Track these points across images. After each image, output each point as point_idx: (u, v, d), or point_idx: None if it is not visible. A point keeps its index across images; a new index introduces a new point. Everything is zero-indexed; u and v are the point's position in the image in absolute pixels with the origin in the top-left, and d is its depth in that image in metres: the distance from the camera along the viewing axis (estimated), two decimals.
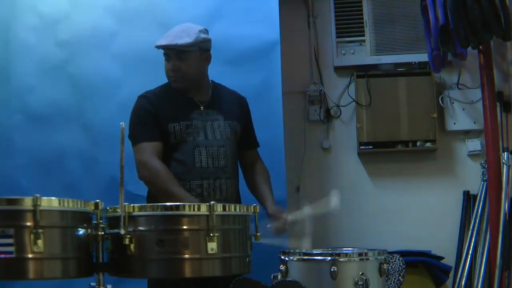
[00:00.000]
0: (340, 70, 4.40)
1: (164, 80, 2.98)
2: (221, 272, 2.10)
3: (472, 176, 4.23)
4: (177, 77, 2.91)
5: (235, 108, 3.05)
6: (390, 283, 2.46)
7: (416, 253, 4.03)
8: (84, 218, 2.01)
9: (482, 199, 4.04)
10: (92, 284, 2.01)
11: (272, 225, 2.80)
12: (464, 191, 4.22)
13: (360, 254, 2.34)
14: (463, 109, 4.26)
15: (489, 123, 3.74)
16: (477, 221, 4.01)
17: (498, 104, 3.98)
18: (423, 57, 4.06)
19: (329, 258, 2.25)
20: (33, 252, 1.83)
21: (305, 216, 2.79)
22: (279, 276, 2.36)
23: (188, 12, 3.63)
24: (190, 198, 2.71)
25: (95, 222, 2.04)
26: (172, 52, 2.88)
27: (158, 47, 2.90)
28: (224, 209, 2.10)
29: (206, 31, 2.97)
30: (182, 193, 2.71)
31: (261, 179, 3.03)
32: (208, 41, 2.96)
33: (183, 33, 2.88)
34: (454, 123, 4.27)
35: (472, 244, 3.98)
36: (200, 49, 2.91)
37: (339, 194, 2.73)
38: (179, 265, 2.05)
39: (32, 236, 1.83)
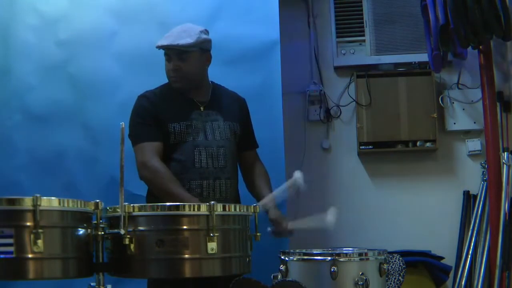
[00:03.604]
0: (340, 70, 4.40)
1: (164, 80, 2.99)
2: (221, 272, 2.10)
3: (472, 176, 4.23)
4: (178, 77, 2.92)
5: (235, 109, 3.05)
6: (390, 283, 2.46)
7: (416, 253, 4.03)
8: (84, 218, 2.01)
9: (482, 199, 4.04)
10: (92, 284, 2.02)
11: (273, 229, 2.80)
12: (464, 191, 4.22)
13: (360, 254, 2.34)
14: (463, 109, 4.26)
15: (489, 123, 3.74)
16: (477, 221, 4.01)
17: (498, 104, 3.97)
18: (423, 57, 4.06)
19: (329, 258, 2.25)
20: (33, 252, 1.83)
21: (304, 226, 2.81)
22: (279, 276, 2.36)
23: (188, 12, 3.63)
24: (191, 198, 2.71)
25: (95, 222, 2.04)
26: (173, 52, 2.88)
27: (159, 47, 2.91)
28: (224, 209, 2.10)
29: (206, 31, 2.97)
30: (183, 193, 2.71)
31: (261, 181, 3.03)
32: (208, 42, 2.96)
33: (184, 34, 2.88)
34: (454, 123, 4.27)
35: (472, 244, 3.98)
36: (201, 50, 2.91)
37: (336, 212, 2.72)
38: (179, 265, 2.05)
39: (32, 236, 1.83)
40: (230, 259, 2.11)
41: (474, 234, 3.99)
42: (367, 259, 2.32)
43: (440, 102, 4.26)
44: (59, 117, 3.64)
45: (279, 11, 3.65)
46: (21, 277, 1.86)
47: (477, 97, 4.11)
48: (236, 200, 2.98)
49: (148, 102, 2.91)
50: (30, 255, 1.83)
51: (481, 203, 4.03)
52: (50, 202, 1.89)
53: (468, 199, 4.20)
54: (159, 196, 2.77)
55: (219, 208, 2.07)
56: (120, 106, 3.34)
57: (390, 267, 2.45)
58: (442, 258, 4.06)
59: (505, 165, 3.91)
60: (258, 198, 2.98)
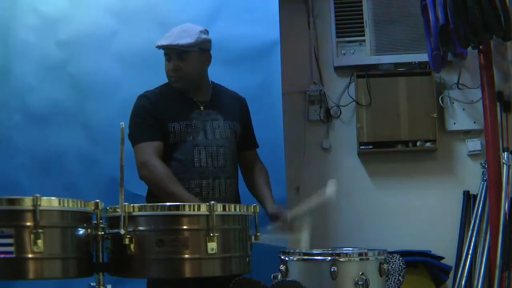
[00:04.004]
0: (340, 70, 4.40)
1: (164, 80, 2.99)
2: (221, 272, 2.10)
3: (472, 176, 4.23)
4: (178, 77, 2.92)
5: (235, 108, 3.05)
6: (390, 283, 2.46)
7: (416, 253, 4.03)
8: (84, 218, 2.01)
9: (482, 199, 4.04)
10: (92, 284, 2.01)
11: (273, 226, 2.80)
12: (464, 191, 4.22)
13: (360, 254, 2.33)
14: (463, 109, 4.26)
15: (489, 123, 3.74)
16: (477, 221, 4.01)
17: (498, 104, 3.98)
18: (423, 57, 4.06)
19: (329, 258, 2.25)
20: (33, 252, 1.83)
21: (304, 211, 2.80)
22: (279, 276, 2.36)
23: (188, 12, 3.63)
24: (192, 198, 2.71)
25: (95, 222, 2.04)
26: (173, 52, 2.88)
27: (159, 47, 2.91)
28: (224, 209, 2.10)
29: (206, 31, 2.98)
30: (183, 192, 2.71)
31: (261, 180, 3.03)
32: (208, 42, 2.96)
33: (184, 34, 2.88)
34: (454, 123, 4.27)
35: (472, 244, 3.99)
36: (201, 50, 2.91)
37: (336, 184, 2.73)
38: (179, 265, 2.05)
39: (32, 236, 1.83)
40: (230, 259, 2.11)
41: (474, 234, 3.99)
42: (367, 259, 2.31)
43: (440, 102, 4.26)
44: (59, 117, 3.65)
45: (279, 11, 3.65)
46: (21, 277, 1.86)
47: (477, 97, 4.11)
48: (236, 199, 2.98)
49: (148, 102, 2.91)
50: (30, 255, 1.83)
51: (481, 203, 4.03)
52: (50, 202, 1.89)
53: (468, 199, 4.20)
54: (159, 196, 2.77)
55: (219, 208, 2.07)
56: (120, 106, 3.34)
57: (390, 267, 2.45)
58: (442, 258, 4.06)
59: (505, 165, 3.91)
60: (258, 197, 2.98)
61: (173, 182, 2.75)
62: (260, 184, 3.01)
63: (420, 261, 3.98)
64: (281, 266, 2.36)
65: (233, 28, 3.62)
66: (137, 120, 2.89)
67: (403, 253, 3.67)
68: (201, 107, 2.95)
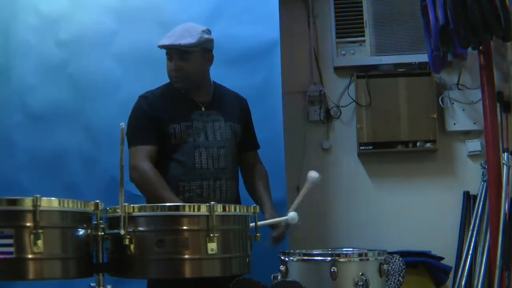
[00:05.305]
0: (340, 70, 4.40)
1: (165, 80, 2.98)
2: (221, 272, 2.09)
3: (472, 177, 4.23)
4: (179, 77, 2.91)
5: (236, 109, 3.05)
6: (390, 284, 2.46)
7: (416, 253, 4.03)
8: (84, 218, 2.01)
9: (482, 199, 4.04)
10: (92, 284, 2.01)
11: (270, 234, 2.81)
12: (464, 192, 4.22)
13: (360, 255, 2.34)
14: (463, 110, 4.26)
15: (489, 123, 3.74)
16: (477, 221, 4.01)
17: (498, 104, 3.98)
18: (423, 57, 4.06)
19: (329, 258, 2.25)
20: (33, 253, 1.82)
21: (300, 201, 2.90)
22: (279, 276, 2.36)
23: (188, 12, 3.63)
24: (178, 202, 2.69)
25: (95, 222, 2.04)
26: (175, 52, 2.88)
27: (161, 46, 2.90)
28: (224, 209, 2.10)
29: (209, 31, 2.97)
30: (171, 197, 2.70)
31: (260, 183, 3.03)
32: (210, 42, 2.96)
33: (186, 33, 2.87)
34: (454, 124, 4.27)
35: (472, 244, 3.99)
36: (203, 50, 2.91)
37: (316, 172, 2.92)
38: (179, 265, 2.04)
39: (32, 236, 1.82)
40: (230, 259, 2.11)
41: (474, 234, 3.99)
42: (367, 259, 2.32)
43: (440, 102, 4.26)
44: (59, 117, 3.65)
45: (279, 11, 3.66)
46: (21, 278, 1.86)
47: (477, 97, 4.11)
48: (237, 201, 2.98)
49: (147, 104, 2.90)
50: (30, 256, 1.83)
51: (481, 203, 4.03)
52: (50, 203, 1.88)
53: (468, 199, 4.20)
54: (148, 199, 2.78)
55: (219, 208, 2.07)
56: (120, 106, 3.34)
57: (390, 268, 2.45)
58: (442, 258, 4.06)
59: (505, 166, 3.91)
60: (256, 202, 2.97)
61: (161, 187, 2.75)
62: (259, 188, 3.01)
63: (420, 262, 3.98)
64: (281, 266, 2.36)
65: (233, 28, 3.62)
66: (134, 122, 2.88)
67: (403, 254, 3.66)
68: (202, 108, 2.94)
